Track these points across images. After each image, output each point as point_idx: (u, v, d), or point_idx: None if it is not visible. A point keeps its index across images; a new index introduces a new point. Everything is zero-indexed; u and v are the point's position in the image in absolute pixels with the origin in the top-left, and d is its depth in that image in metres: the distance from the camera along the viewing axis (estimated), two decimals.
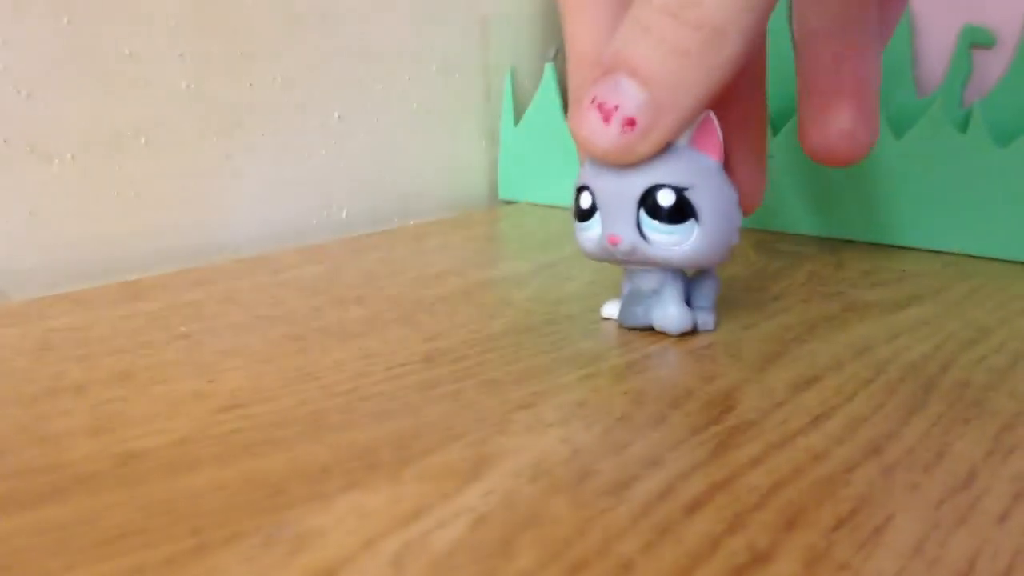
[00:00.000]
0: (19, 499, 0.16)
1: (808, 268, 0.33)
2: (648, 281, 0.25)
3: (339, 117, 0.39)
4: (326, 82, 0.38)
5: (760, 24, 0.21)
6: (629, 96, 0.22)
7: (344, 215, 0.40)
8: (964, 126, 0.36)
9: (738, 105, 0.25)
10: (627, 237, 0.23)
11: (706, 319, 0.25)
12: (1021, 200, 0.34)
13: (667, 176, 0.23)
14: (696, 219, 0.23)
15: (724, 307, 0.28)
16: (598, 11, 0.24)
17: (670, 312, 0.24)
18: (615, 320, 0.26)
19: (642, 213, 0.23)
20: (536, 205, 0.44)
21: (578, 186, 0.24)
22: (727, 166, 0.24)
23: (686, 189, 0.23)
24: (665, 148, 0.23)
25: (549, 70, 0.43)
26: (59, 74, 0.30)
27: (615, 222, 0.23)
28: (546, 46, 0.48)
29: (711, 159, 0.23)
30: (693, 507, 0.16)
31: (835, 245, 0.37)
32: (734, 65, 0.22)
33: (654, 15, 0.22)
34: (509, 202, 0.45)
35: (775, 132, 0.38)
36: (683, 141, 0.23)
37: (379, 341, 0.24)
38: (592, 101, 0.22)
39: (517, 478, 0.17)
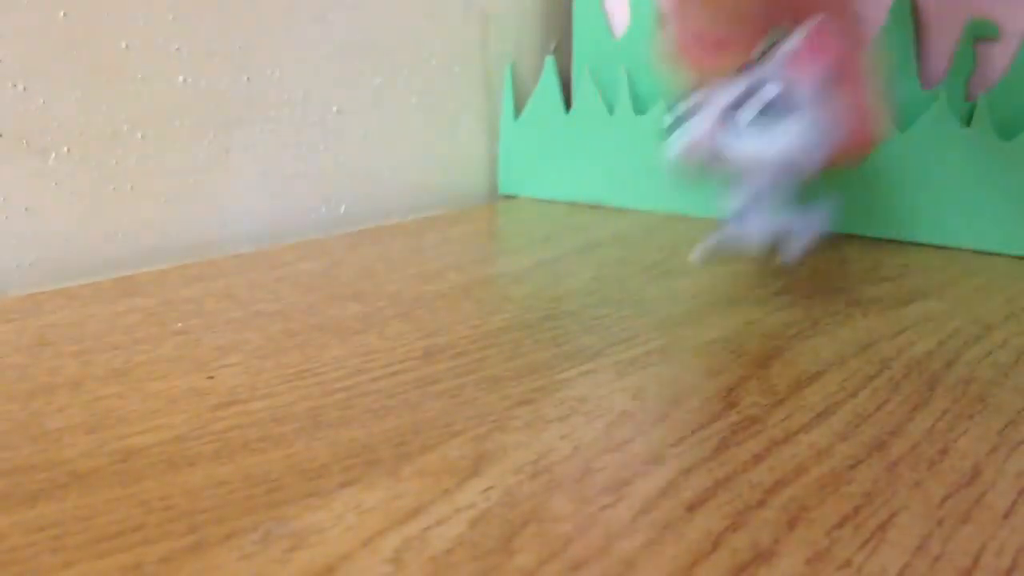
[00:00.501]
0: (16, 496, 0.16)
1: (811, 263, 0.33)
2: (736, 200, 0.25)
3: (337, 111, 0.39)
4: (325, 76, 0.38)
5: None
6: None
7: (343, 210, 0.39)
8: (968, 120, 0.35)
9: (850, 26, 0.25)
10: (715, 137, 0.24)
11: (789, 248, 0.26)
12: None
13: (765, 75, 0.23)
14: (794, 117, 0.23)
15: (726, 303, 0.28)
16: None
17: (751, 224, 0.25)
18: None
19: (740, 112, 0.24)
20: (536, 200, 0.44)
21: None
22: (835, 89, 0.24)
23: (789, 87, 0.23)
24: (763, 61, 0.23)
25: (549, 64, 0.43)
26: (55, 68, 0.30)
27: (702, 124, 0.24)
28: (546, 40, 0.47)
29: (816, 66, 0.24)
30: (695, 504, 0.16)
31: (838, 240, 0.37)
32: None
33: None
34: (509, 197, 0.45)
35: None
36: (790, 47, 0.24)
37: (378, 337, 0.24)
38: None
39: (517, 475, 0.17)
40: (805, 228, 0.25)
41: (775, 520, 0.16)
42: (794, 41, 0.23)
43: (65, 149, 0.30)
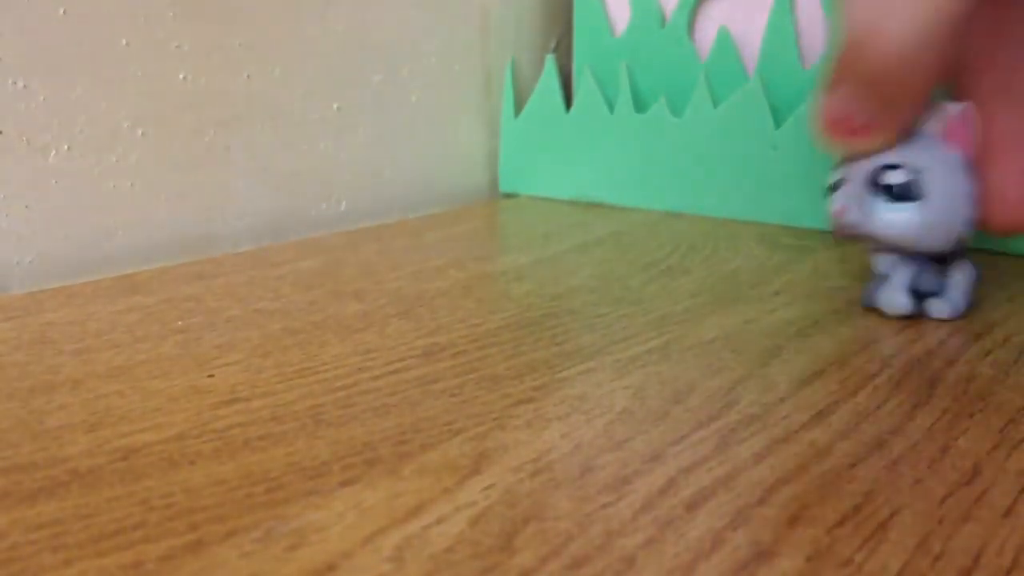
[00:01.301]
0: (16, 494, 0.16)
1: (812, 262, 0.33)
2: (882, 264, 0.26)
3: (338, 109, 0.39)
4: (325, 74, 0.38)
5: None
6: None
7: (343, 208, 0.39)
8: None
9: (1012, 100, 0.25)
10: (852, 212, 0.25)
11: (941, 307, 0.26)
12: None
13: (899, 157, 0.25)
14: (921, 201, 0.24)
15: (726, 301, 0.28)
16: None
17: (888, 294, 0.26)
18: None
19: (873, 191, 0.25)
20: (537, 198, 0.44)
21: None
22: (985, 163, 0.25)
23: (918, 172, 0.24)
24: (911, 136, 0.25)
25: (550, 62, 0.43)
26: (55, 65, 0.30)
27: (846, 196, 0.25)
28: (547, 38, 0.47)
29: (954, 151, 0.25)
30: (695, 502, 0.16)
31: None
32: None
33: None
34: (510, 195, 0.45)
35: (778, 123, 0.38)
36: (932, 130, 0.25)
37: (378, 335, 0.24)
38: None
39: (517, 473, 0.17)
40: (955, 287, 0.27)
41: (776, 518, 0.16)
42: (934, 125, 0.25)
43: (65, 147, 0.30)
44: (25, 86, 0.29)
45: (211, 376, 0.21)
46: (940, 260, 0.26)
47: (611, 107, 0.42)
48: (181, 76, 0.33)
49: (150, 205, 0.33)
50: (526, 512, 0.15)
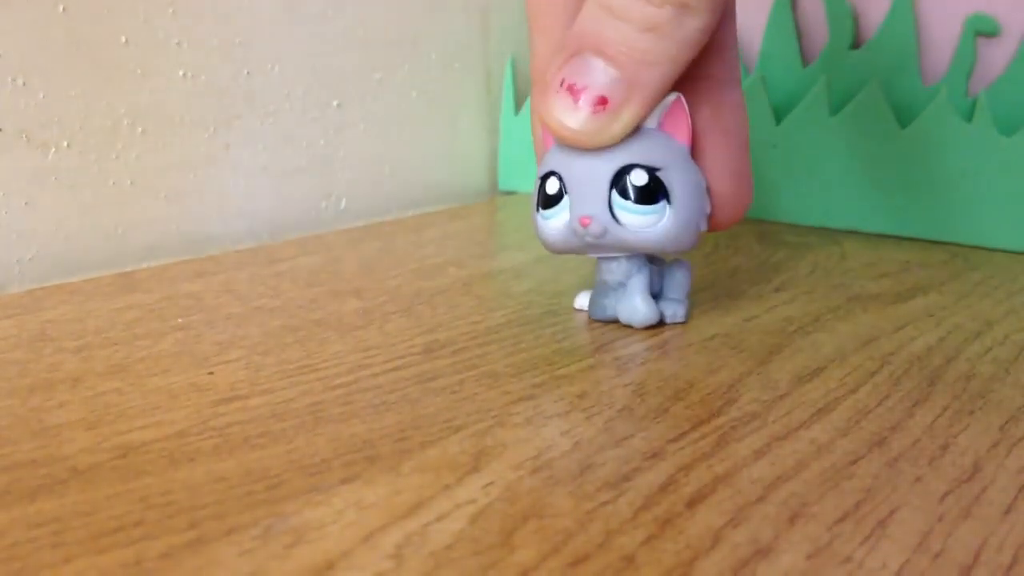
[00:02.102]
0: (16, 492, 0.16)
1: (812, 259, 0.33)
2: (614, 273, 0.24)
3: (338, 106, 0.39)
4: (325, 71, 0.38)
5: None
6: (598, 75, 0.22)
7: (343, 205, 0.39)
8: (969, 115, 0.35)
9: (706, 107, 0.24)
10: (599, 217, 0.23)
11: (676, 311, 0.25)
12: None
13: (640, 156, 0.22)
14: (668, 200, 0.23)
15: (726, 298, 0.28)
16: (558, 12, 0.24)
17: (634, 304, 0.24)
18: (586, 312, 0.26)
19: (614, 194, 0.23)
20: None
21: (543, 172, 0.24)
22: (700, 165, 0.24)
23: (659, 169, 0.22)
24: (635, 130, 0.22)
25: None
26: (55, 62, 0.30)
27: (586, 203, 0.23)
28: None
29: (680, 142, 0.23)
30: (695, 500, 0.16)
31: (839, 236, 0.37)
32: (702, 37, 0.21)
33: None
34: (509, 192, 0.45)
35: (778, 121, 0.38)
36: (652, 124, 0.23)
37: (378, 333, 0.24)
38: (561, 84, 0.22)
39: (517, 470, 0.17)
40: (678, 289, 0.25)
41: (775, 516, 0.16)
42: (654, 118, 0.23)
43: (65, 144, 0.30)
44: (25, 83, 0.29)
45: (211, 373, 0.21)
46: (654, 258, 0.25)
47: None
48: (181, 73, 0.33)
49: (150, 202, 0.33)
50: (526, 509, 0.15)
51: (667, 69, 0.22)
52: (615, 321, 0.25)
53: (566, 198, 0.23)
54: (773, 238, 0.36)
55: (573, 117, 0.22)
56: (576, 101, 0.22)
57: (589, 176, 0.23)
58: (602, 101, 0.22)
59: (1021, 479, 0.17)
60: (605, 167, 0.22)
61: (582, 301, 0.26)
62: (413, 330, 0.24)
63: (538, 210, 0.24)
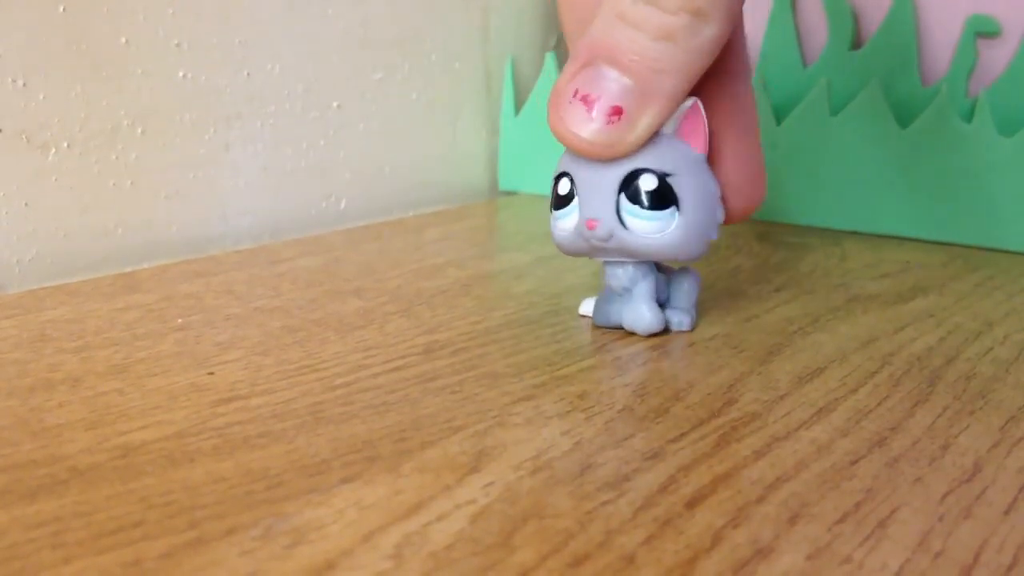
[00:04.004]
0: (16, 492, 0.16)
1: (812, 259, 0.33)
2: (620, 279, 0.24)
3: (338, 107, 0.39)
4: (325, 71, 0.38)
5: (739, 2, 0.21)
6: (612, 84, 0.21)
7: (343, 206, 0.39)
8: (969, 116, 0.35)
9: (723, 101, 0.24)
10: (606, 221, 0.22)
11: (682, 319, 0.25)
12: None
13: (650, 161, 0.22)
14: (677, 207, 0.22)
15: (726, 299, 0.28)
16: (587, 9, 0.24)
17: (640, 312, 0.24)
18: (590, 318, 0.25)
19: (622, 198, 0.22)
20: (537, 196, 0.44)
21: (557, 173, 0.24)
22: (716, 163, 0.23)
23: (669, 175, 0.22)
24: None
25: (550, 59, 0.43)
26: (54, 63, 0.30)
27: (593, 206, 0.23)
28: (547, 35, 0.47)
29: (696, 150, 0.23)
30: (695, 500, 0.16)
31: (839, 236, 0.37)
32: (716, 46, 0.21)
33: (629, 4, 0.21)
34: (509, 193, 0.45)
35: (778, 121, 0.38)
36: (668, 130, 0.23)
37: (378, 333, 0.24)
38: (574, 95, 0.22)
39: (517, 471, 0.17)
40: (685, 298, 0.25)
41: (776, 516, 0.16)
42: (671, 124, 0.23)
43: (65, 144, 0.30)
44: (25, 84, 0.29)
45: (211, 374, 0.21)
46: (662, 266, 0.24)
47: None
48: (181, 74, 0.33)
49: (150, 203, 0.33)
50: (526, 510, 0.15)
51: (682, 77, 0.21)
52: (619, 328, 0.24)
53: (576, 200, 0.23)
54: (773, 238, 0.36)
55: (587, 128, 0.22)
56: (590, 111, 0.22)
57: (598, 179, 0.23)
58: (616, 111, 0.21)
59: (1021, 479, 0.17)
60: (615, 170, 0.22)
61: (587, 307, 0.26)
62: (413, 330, 0.24)
63: (552, 210, 0.24)
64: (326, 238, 0.35)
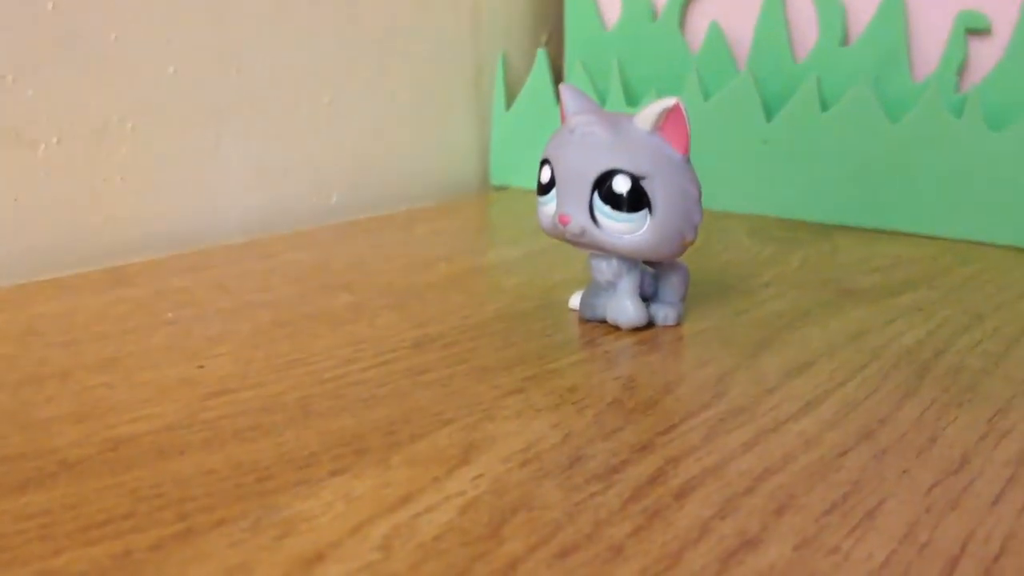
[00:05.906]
0: (5, 485, 0.16)
1: (802, 254, 0.33)
2: (604, 273, 0.24)
3: (329, 102, 0.39)
4: (316, 67, 0.38)
5: None
6: None
7: (334, 201, 0.39)
8: (959, 111, 0.35)
9: None
10: (577, 219, 0.23)
11: (668, 314, 0.25)
12: (1015, 185, 0.34)
13: (626, 161, 0.22)
14: (650, 210, 0.22)
15: (716, 293, 0.28)
16: None
17: (623, 306, 0.24)
18: (578, 311, 0.25)
19: (596, 197, 0.22)
20: (527, 191, 0.44)
21: (541, 159, 0.24)
22: None
23: (644, 178, 0.22)
24: (629, 134, 0.22)
25: (541, 55, 0.43)
26: (44, 59, 0.30)
27: (568, 202, 0.23)
28: (538, 31, 0.47)
29: (676, 151, 0.23)
30: (683, 492, 0.16)
31: (829, 230, 0.37)
32: None
33: None
34: (500, 187, 0.45)
35: (768, 117, 0.38)
36: (647, 127, 0.23)
37: (368, 327, 0.24)
38: None
39: (507, 463, 0.17)
40: (672, 292, 0.25)
41: (763, 507, 0.16)
42: (649, 122, 0.23)
43: (55, 140, 0.30)
44: (14, 80, 0.29)
45: (201, 367, 0.21)
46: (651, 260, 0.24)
47: (603, 100, 0.42)
48: (171, 70, 0.33)
49: (140, 198, 0.33)
50: (515, 501, 0.16)
51: None
52: (605, 321, 0.25)
53: (555, 189, 0.23)
54: (763, 233, 0.36)
55: None
56: None
57: (574, 175, 0.23)
58: None
59: (1008, 471, 0.17)
60: (590, 169, 0.22)
61: (575, 301, 0.26)
62: (403, 324, 0.24)
63: (537, 194, 0.24)
64: (316, 233, 0.35)
